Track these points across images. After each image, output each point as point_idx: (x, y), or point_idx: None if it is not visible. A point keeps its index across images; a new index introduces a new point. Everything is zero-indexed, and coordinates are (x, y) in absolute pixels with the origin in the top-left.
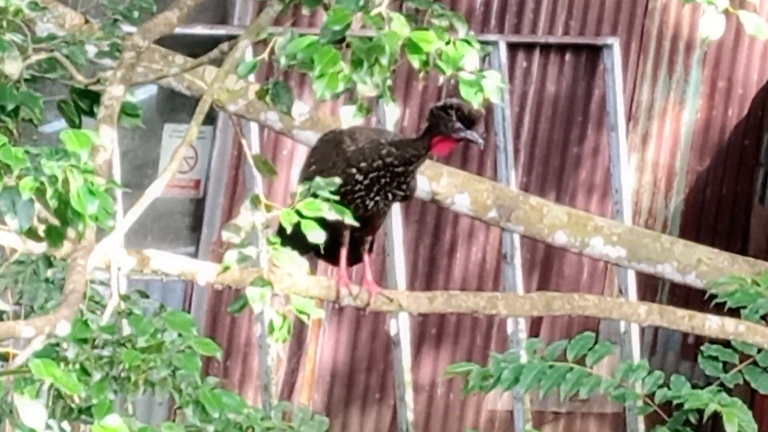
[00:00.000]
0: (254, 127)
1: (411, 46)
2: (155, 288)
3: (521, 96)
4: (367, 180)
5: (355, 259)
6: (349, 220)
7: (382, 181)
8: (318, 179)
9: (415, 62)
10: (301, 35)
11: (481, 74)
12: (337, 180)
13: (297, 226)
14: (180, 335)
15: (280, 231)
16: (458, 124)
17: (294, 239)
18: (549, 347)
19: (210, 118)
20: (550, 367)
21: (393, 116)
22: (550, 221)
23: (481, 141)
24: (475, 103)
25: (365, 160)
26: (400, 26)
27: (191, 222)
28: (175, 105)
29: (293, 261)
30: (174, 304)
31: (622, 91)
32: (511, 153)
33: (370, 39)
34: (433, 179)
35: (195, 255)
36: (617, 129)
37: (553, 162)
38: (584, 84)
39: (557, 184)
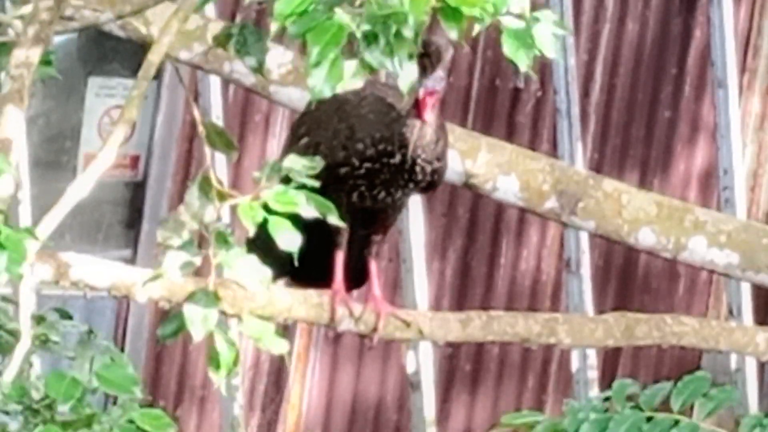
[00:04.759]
0: (215, 82)
1: (446, 11)
2: (76, 307)
3: (591, 39)
4: (362, 169)
5: (357, 272)
6: (335, 219)
7: (381, 177)
8: (293, 157)
9: (452, 33)
10: None
11: (533, 17)
12: (320, 160)
13: (264, 227)
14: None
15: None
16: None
17: (267, 248)
18: (646, 392)
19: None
20: (649, 419)
21: (408, 78)
22: (632, 214)
23: (424, 86)
24: (523, 62)
25: (362, 140)
26: None
27: (127, 214)
28: (104, 51)
29: (253, 269)
30: (102, 330)
31: (734, 31)
32: (577, 119)
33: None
34: (467, 156)
35: (132, 261)
36: (726, 85)
37: (635, 131)
38: (679, 22)
39: (642, 163)
